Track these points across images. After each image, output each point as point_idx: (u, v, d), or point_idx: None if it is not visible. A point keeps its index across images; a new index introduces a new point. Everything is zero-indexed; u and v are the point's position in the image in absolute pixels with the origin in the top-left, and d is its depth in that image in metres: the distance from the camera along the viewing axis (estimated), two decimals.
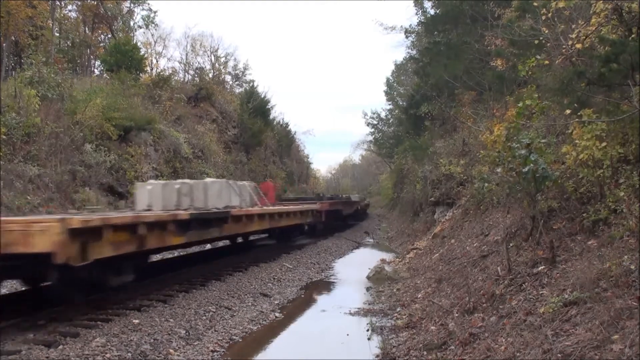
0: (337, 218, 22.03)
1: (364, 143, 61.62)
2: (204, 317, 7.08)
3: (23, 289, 7.73)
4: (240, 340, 6.56)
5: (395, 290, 9.44)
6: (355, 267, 13.09)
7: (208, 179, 11.04)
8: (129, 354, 5.38)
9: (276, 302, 8.70)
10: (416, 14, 28.61)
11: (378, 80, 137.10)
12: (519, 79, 10.59)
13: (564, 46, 7.61)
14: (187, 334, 6.31)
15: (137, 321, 6.36)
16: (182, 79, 32.80)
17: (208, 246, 14.27)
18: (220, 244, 14.29)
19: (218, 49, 37.07)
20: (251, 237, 14.88)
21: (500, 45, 13.20)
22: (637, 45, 5.14)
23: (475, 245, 9.22)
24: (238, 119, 29.56)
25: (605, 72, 5.29)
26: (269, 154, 34.25)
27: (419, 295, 8.27)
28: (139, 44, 28.34)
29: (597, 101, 5.94)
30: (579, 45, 6.82)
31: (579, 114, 5.89)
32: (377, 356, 5.72)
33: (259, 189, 13.86)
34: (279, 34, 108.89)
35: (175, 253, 12.48)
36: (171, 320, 6.65)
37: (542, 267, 5.66)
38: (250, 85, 36.22)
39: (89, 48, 29.05)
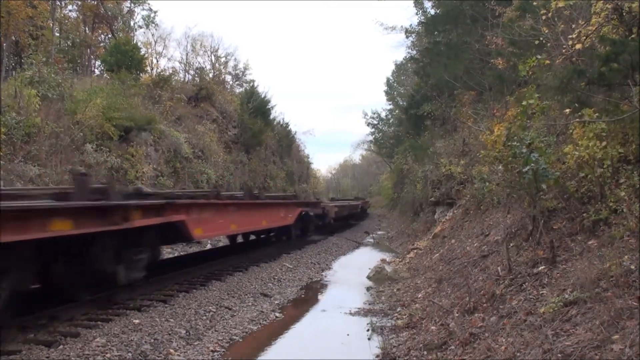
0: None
1: (364, 143, 61.76)
2: (204, 317, 7.08)
3: None
4: (241, 340, 6.56)
5: (395, 290, 9.44)
6: (355, 267, 13.09)
7: None
8: (129, 354, 5.38)
9: (276, 302, 8.70)
10: (416, 14, 28.69)
11: (378, 80, 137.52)
12: (519, 79, 10.58)
13: (564, 46, 7.61)
14: (188, 334, 6.31)
15: (137, 321, 6.36)
16: (182, 79, 32.77)
17: (208, 246, 14.29)
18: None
19: (218, 49, 37.10)
20: None
21: (501, 45, 13.19)
22: (637, 45, 5.13)
23: (475, 245, 9.22)
24: (238, 119, 29.54)
25: (605, 72, 5.29)
26: (269, 154, 34.23)
27: (419, 295, 8.27)
28: (139, 44, 28.33)
29: (597, 101, 5.94)
30: (579, 45, 6.82)
31: (579, 113, 5.89)
32: (378, 356, 5.72)
33: None
34: (279, 34, 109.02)
35: (176, 253, 12.49)
36: (171, 320, 6.65)
37: (542, 267, 5.66)
38: (251, 85, 36.22)
39: (89, 48, 29.03)
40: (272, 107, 34.95)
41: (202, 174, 21.07)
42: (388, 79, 48.53)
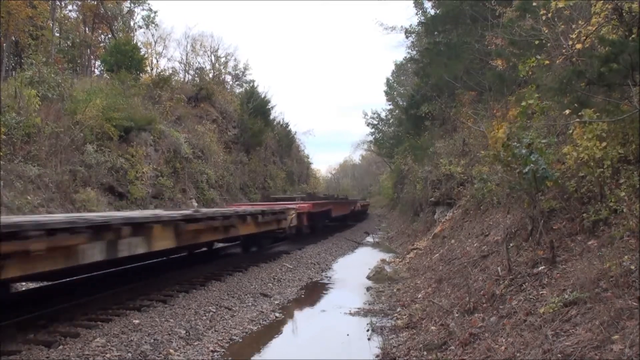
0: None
1: (364, 143, 61.83)
2: (204, 317, 7.08)
3: None
4: (241, 340, 6.56)
5: (395, 290, 9.44)
6: (355, 267, 13.08)
7: None
8: (129, 354, 5.38)
9: (276, 302, 8.70)
10: (416, 14, 28.69)
11: (378, 80, 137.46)
12: (519, 79, 10.58)
13: (564, 46, 7.61)
14: (187, 334, 6.31)
15: (137, 321, 6.36)
16: (182, 79, 32.80)
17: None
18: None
19: (218, 49, 37.13)
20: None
21: (501, 45, 13.18)
22: (637, 45, 5.13)
23: (475, 245, 9.21)
24: (238, 119, 29.55)
25: (605, 72, 5.28)
26: (269, 154, 34.25)
27: (419, 295, 8.27)
28: (139, 44, 28.38)
29: (597, 101, 5.93)
30: (579, 46, 6.81)
31: (579, 114, 5.88)
32: (378, 356, 5.72)
33: None
34: (279, 34, 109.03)
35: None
36: (171, 320, 6.65)
37: (542, 267, 5.66)
38: (251, 85, 36.26)
39: (89, 48, 29.03)
40: (272, 107, 35.06)
41: (202, 174, 21.09)
42: (388, 79, 48.50)
